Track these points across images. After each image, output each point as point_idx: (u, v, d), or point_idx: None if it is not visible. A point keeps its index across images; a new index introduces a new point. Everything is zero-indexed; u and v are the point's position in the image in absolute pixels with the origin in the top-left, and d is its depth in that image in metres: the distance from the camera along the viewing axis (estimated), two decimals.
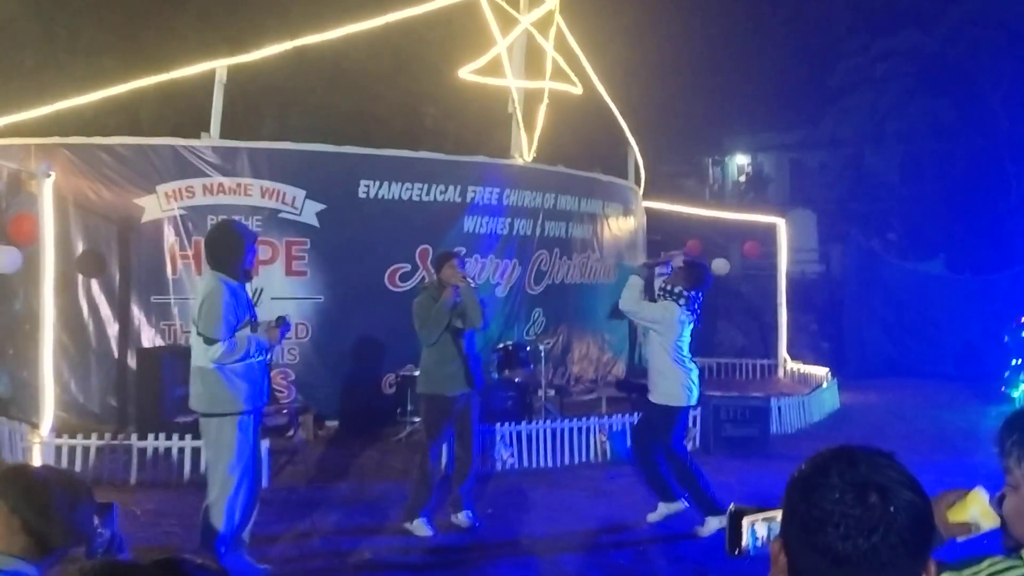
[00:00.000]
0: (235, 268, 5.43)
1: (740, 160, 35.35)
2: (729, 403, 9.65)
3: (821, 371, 13.60)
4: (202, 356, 5.36)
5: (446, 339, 6.39)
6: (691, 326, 6.60)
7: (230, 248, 5.46)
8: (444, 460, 6.80)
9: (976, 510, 1.87)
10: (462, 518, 6.56)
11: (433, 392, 6.48)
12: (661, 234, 16.21)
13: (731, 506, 1.83)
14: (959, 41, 21.96)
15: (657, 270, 8.09)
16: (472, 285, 6.52)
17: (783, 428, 10.31)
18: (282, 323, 5.55)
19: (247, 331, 5.37)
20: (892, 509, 1.32)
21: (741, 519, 1.81)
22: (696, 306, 6.58)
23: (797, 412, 10.84)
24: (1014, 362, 12.91)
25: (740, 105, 29.96)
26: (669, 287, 6.62)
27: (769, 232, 15.37)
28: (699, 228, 17.23)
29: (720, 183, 35.60)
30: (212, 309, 5.26)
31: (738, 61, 28.38)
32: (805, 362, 14.74)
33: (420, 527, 6.39)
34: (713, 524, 6.28)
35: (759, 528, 1.77)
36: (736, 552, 1.81)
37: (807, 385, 12.88)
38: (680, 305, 6.50)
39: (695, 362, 6.77)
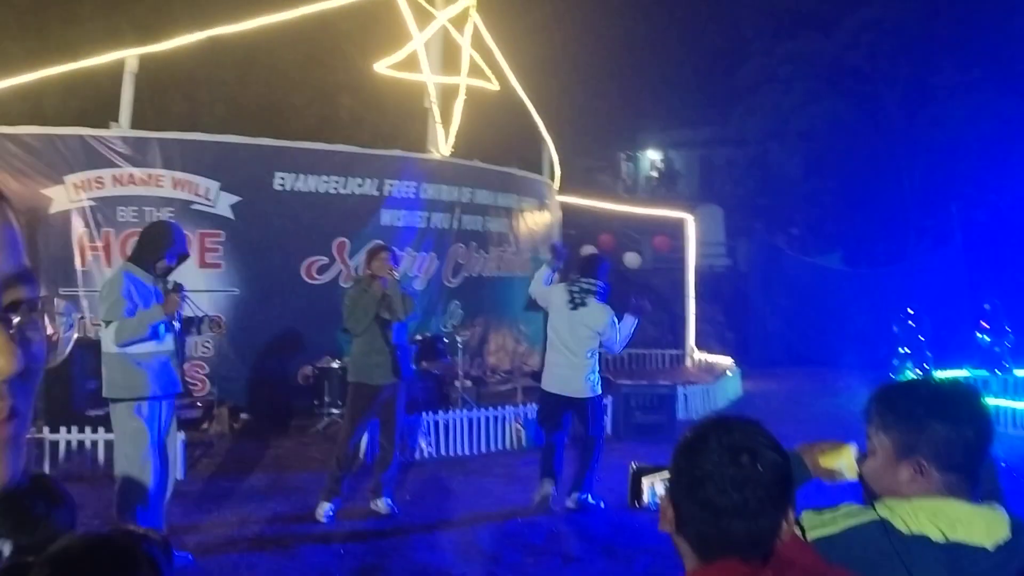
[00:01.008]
0: (147, 263, 5.53)
1: (652, 156, 36.04)
2: (638, 391, 10.01)
3: (726, 360, 14.12)
4: (106, 340, 5.49)
5: (374, 330, 6.52)
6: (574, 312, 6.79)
7: (152, 245, 5.58)
8: (364, 448, 6.93)
9: (844, 463, 2.17)
10: (381, 504, 6.70)
11: (360, 381, 6.61)
12: (576, 228, 16.55)
13: (632, 465, 2.06)
14: (858, 46, 22.91)
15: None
16: (396, 278, 6.68)
17: (689, 414, 10.70)
18: (178, 289, 5.56)
19: (144, 312, 5.41)
20: (760, 468, 1.55)
21: (641, 477, 2.05)
22: (577, 290, 6.81)
23: (702, 399, 11.27)
24: (901, 351, 13.65)
25: (652, 102, 30.56)
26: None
27: (679, 227, 15.85)
28: (612, 222, 17.62)
29: (633, 178, 36.26)
30: (109, 293, 5.46)
31: (651, 59, 28.96)
32: (712, 352, 15.27)
33: (320, 512, 6.54)
34: (547, 488, 6.74)
35: (657, 486, 2.01)
36: (636, 505, 2.06)
37: (713, 374, 13.37)
38: (564, 287, 6.86)
39: (581, 357, 6.81)
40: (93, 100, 12.88)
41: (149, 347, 5.45)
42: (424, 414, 8.80)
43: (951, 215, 17.72)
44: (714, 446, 1.57)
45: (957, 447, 1.88)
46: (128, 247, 8.94)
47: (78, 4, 16.31)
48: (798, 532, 1.86)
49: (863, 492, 2.04)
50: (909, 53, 22.37)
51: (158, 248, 5.55)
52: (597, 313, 6.74)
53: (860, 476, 2.07)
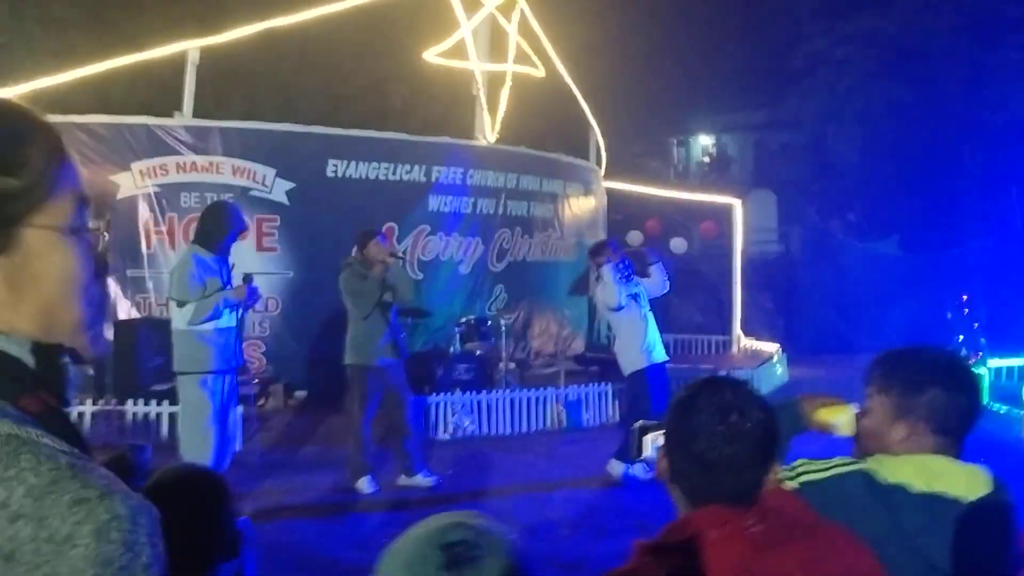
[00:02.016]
0: (213, 243, 5.91)
1: (704, 141, 35.86)
2: (679, 374, 10.16)
3: (772, 347, 14.17)
4: (178, 319, 5.90)
5: (376, 313, 6.80)
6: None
7: (216, 226, 5.96)
8: (379, 428, 7.21)
9: (843, 418, 2.32)
10: (419, 479, 7.00)
11: (364, 363, 6.84)
12: (623, 214, 16.67)
13: (637, 423, 2.28)
14: (916, 25, 22.56)
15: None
16: (401, 259, 6.98)
17: None
18: (248, 281, 6.01)
19: (217, 294, 5.82)
20: (748, 425, 1.70)
21: (644, 434, 2.26)
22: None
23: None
24: (958, 338, 13.53)
25: (705, 86, 30.38)
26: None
27: (726, 213, 15.88)
28: (660, 208, 17.69)
29: (684, 163, 36.13)
30: (180, 276, 5.86)
31: (703, 42, 28.79)
32: (760, 338, 15.30)
33: (365, 484, 6.85)
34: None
35: (658, 441, 2.22)
36: (639, 458, 2.27)
37: (758, 360, 13.43)
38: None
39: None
40: (157, 89, 13.33)
41: (213, 324, 5.86)
42: (466, 393, 9.11)
43: (1010, 198, 17.46)
44: (705, 405, 1.71)
45: (952, 413, 2.06)
46: (191, 231, 9.42)
47: None
48: (789, 481, 2.07)
49: (855, 449, 2.21)
50: (968, 32, 21.98)
51: (220, 229, 5.95)
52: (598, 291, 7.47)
53: (855, 434, 2.24)
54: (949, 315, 14.03)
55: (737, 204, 15.57)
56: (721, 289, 16.69)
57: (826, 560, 1.66)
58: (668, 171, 33.80)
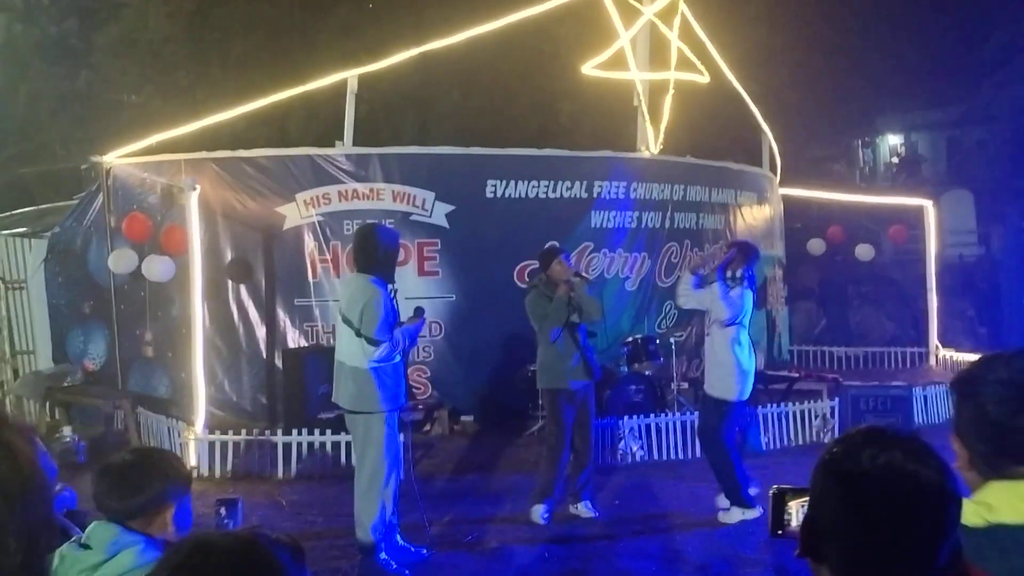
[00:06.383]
0: (390, 270, 5.70)
1: (892, 140, 33.85)
2: (869, 393, 9.39)
3: (974, 357, 12.93)
4: (359, 356, 5.54)
5: (564, 334, 6.51)
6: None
7: (386, 250, 5.70)
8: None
9: None
10: (582, 508, 6.67)
11: (557, 386, 6.63)
12: (802, 221, 15.78)
13: (773, 488, 1.83)
14: None
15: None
16: (587, 279, 6.70)
17: (929, 418, 9.89)
18: (420, 314, 5.89)
19: (402, 330, 5.65)
20: (925, 495, 1.33)
21: (785, 501, 1.80)
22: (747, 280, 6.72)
23: (945, 401, 10.36)
24: None
25: (891, 84, 28.63)
26: (730, 273, 6.72)
27: (918, 215, 14.72)
28: (844, 213, 16.63)
29: (871, 165, 34.23)
30: (375, 311, 5.48)
31: (887, 38, 27.15)
32: (960, 349, 14.04)
33: (537, 514, 6.54)
34: (736, 515, 6.56)
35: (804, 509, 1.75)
36: (780, 533, 1.80)
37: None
38: (727, 286, 6.67)
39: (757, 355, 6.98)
40: (330, 120, 13.64)
41: (391, 361, 5.63)
42: (634, 417, 8.67)
43: None
44: (869, 466, 1.35)
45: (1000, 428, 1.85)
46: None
47: (315, 31, 17.48)
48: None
49: None
50: None
51: (388, 252, 5.73)
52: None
53: None
54: None
55: (929, 206, 14.40)
56: (915, 297, 15.47)
57: None
58: (853, 174, 32.10)
